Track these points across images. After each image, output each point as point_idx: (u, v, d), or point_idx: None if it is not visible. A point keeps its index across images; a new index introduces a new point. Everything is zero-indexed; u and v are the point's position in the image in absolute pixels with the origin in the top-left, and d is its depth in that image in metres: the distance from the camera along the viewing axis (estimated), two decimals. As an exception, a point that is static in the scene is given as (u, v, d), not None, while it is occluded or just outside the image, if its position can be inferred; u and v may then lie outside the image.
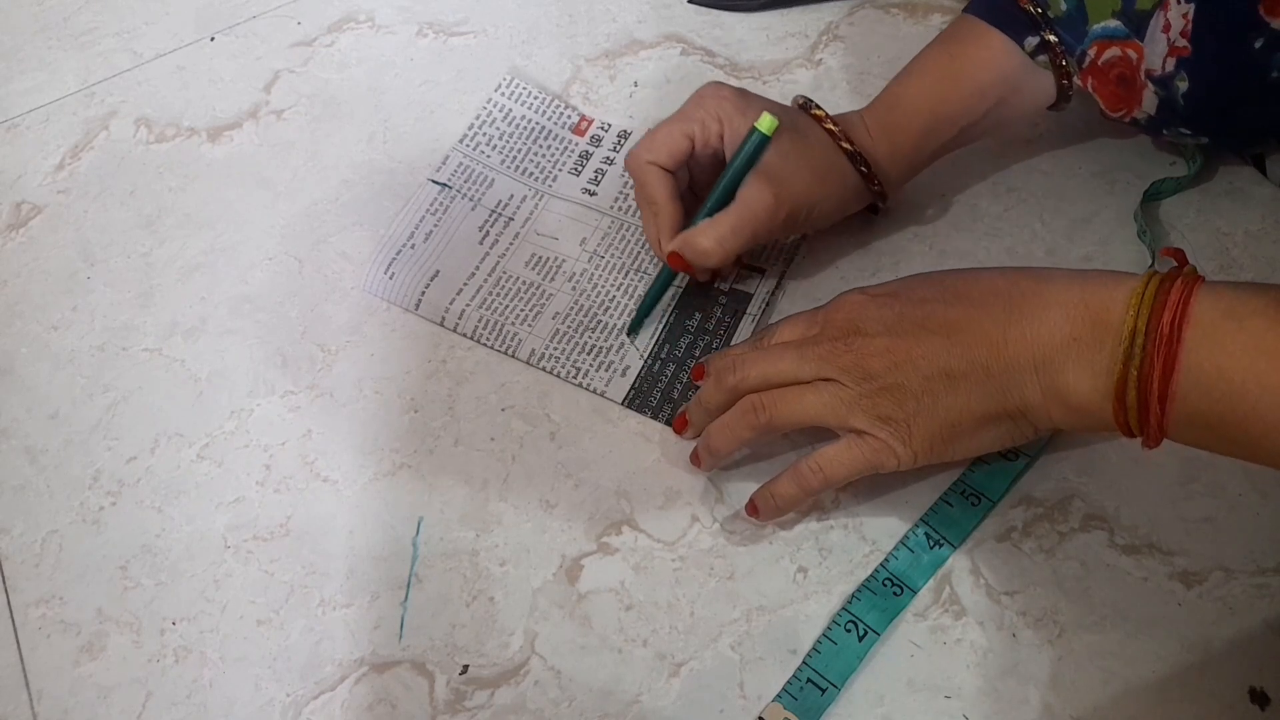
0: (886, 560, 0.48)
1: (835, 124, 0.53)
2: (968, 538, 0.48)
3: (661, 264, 0.54)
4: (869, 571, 0.48)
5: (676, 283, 0.56)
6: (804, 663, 0.46)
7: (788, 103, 0.55)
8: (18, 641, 0.49)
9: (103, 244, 0.62)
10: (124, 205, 0.64)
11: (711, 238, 0.51)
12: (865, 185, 0.54)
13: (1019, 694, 0.45)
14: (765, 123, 0.51)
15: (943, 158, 0.56)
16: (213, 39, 0.71)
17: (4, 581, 0.51)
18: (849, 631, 0.46)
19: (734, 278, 0.57)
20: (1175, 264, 0.41)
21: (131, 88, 0.69)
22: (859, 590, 0.47)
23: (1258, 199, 0.57)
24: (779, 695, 0.45)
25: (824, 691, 0.45)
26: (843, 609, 0.47)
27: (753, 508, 0.49)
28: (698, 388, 0.51)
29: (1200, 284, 0.39)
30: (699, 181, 0.55)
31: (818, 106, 0.54)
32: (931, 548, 0.48)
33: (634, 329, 0.55)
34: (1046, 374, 0.41)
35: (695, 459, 0.50)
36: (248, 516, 0.52)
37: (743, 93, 0.53)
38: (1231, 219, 0.57)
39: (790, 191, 0.51)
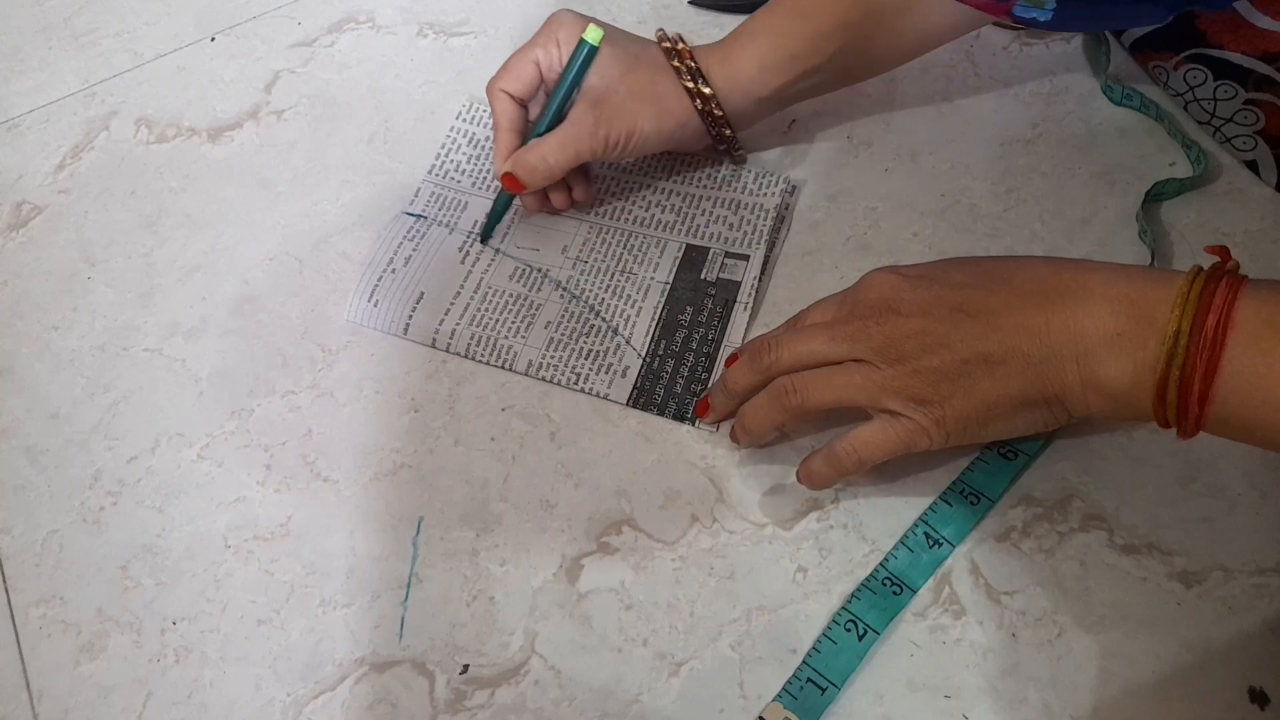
0: (886, 560, 0.48)
1: (682, 59, 0.55)
2: (967, 537, 0.48)
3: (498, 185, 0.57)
4: (869, 571, 0.48)
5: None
6: (804, 662, 0.46)
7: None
8: (18, 641, 0.49)
9: (103, 244, 0.62)
10: (124, 205, 0.64)
11: (536, 155, 0.54)
12: (704, 124, 0.56)
13: (1019, 694, 0.45)
14: (591, 33, 0.53)
15: (940, 157, 0.55)
16: (213, 39, 0.71)
17: (4, 581, 0.51)
18: (849, 631, 0.46)
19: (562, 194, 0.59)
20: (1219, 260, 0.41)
21: (132, 88, 0.69)
22: (859, 590, 0.47)
23: (1257, 199, 0.57)
24: (779, 695, 0.45)
25: (824, 691, 0.45)
26: (842, 608, 0.47)
27: None
28: (700, 383, 0.51)
29: (1245, 286, 0.39)
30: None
31: (674, 38, 0.55)
32: (931, 547, 0.48)
33: (484, 238, 0.59)
34: (1087, 365, 0.42)
35: (735, 437, 0.51)
36: (248, 516, 0.52)
37: (585, 17, 0.55)
38: (1231, 219, 0.57)
39: (611, 112, 0.54)
